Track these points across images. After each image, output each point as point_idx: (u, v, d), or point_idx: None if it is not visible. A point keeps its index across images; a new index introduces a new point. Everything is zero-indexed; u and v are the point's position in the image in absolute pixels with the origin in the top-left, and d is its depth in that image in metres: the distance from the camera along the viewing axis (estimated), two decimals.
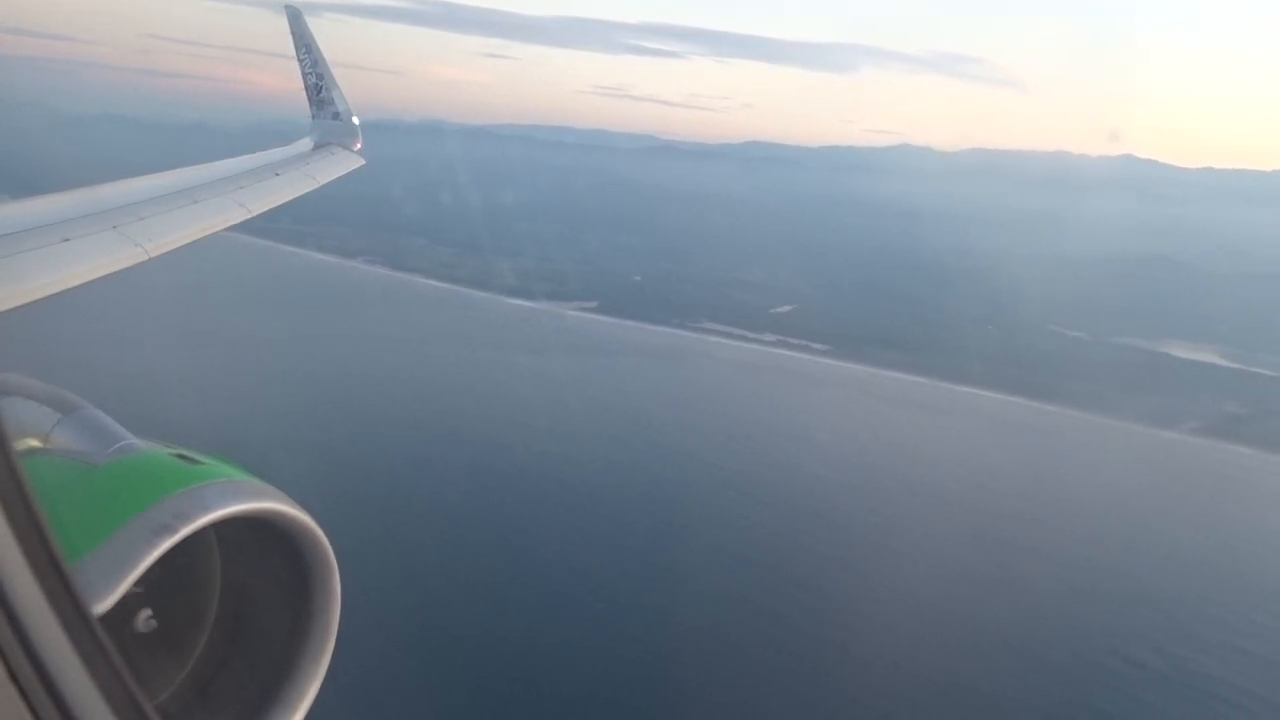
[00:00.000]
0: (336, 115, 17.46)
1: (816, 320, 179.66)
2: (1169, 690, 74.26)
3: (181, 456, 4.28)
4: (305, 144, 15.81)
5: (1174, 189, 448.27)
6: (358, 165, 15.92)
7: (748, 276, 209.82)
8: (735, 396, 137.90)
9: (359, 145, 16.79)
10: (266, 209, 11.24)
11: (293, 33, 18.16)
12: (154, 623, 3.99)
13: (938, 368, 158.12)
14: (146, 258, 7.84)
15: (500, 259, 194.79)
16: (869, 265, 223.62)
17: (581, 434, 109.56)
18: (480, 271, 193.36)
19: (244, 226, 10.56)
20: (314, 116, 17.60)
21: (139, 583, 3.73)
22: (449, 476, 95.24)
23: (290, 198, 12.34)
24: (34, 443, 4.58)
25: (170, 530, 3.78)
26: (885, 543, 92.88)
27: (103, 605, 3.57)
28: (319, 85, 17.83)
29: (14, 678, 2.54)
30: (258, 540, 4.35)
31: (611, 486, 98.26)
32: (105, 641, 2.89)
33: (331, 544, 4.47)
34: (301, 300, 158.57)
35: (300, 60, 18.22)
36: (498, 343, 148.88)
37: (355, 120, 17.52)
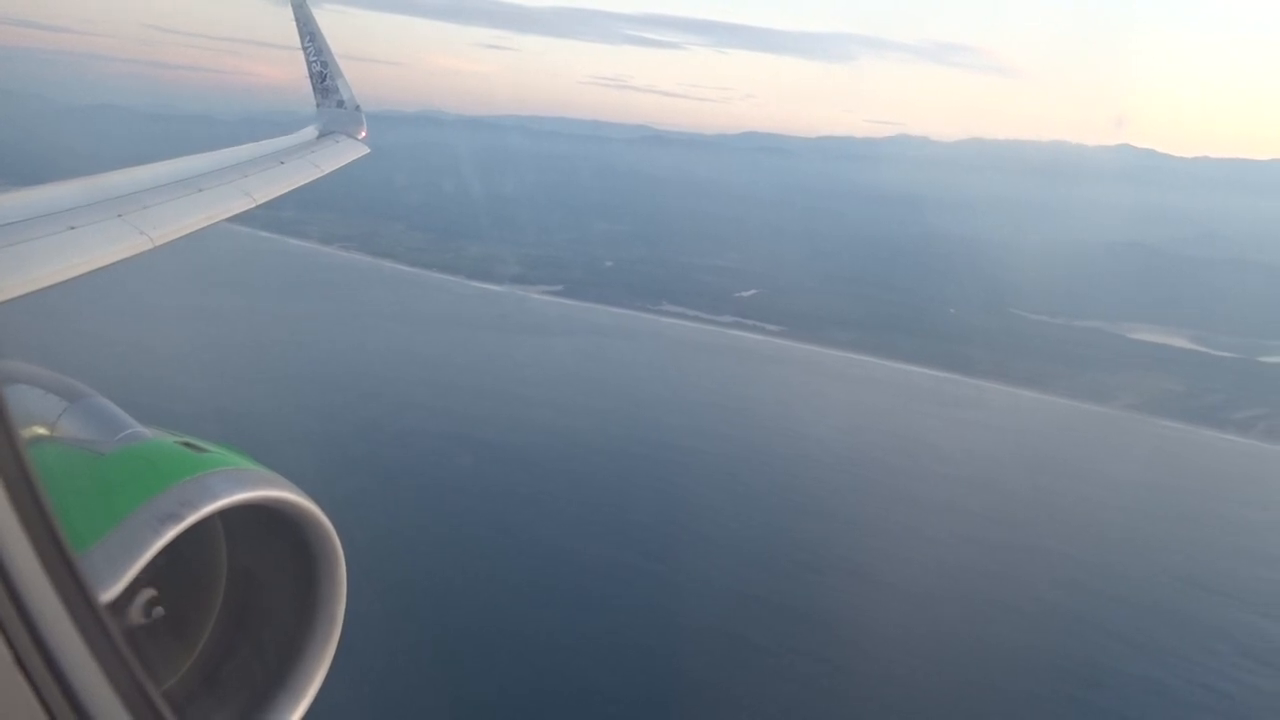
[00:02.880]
0: (341, 103, 17.40)
1: (778, 303, 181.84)
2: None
3: (187, 445, 4.28)
4: (310, 132, 15.70)
5: (1169, 178, 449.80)
6: (362, 154, 15.80)
7: (721, 262, 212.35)
8: (664, 370, 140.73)
9: (364, 133, 16.67)
10: (271, 198, 11.17)
11: (297, 21, 18.11)
12: (161, 610, 3.97)
13: (885, 347, 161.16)
14: (152, 246, 7.81)
15: (477, 245, 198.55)
16: (847, 252, 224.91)
17: (512, 404, 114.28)
18: (453, 257, 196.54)
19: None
20: (319, 105, 17.54)
21: (146, 570, 3.72)
22: (392, 451, 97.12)
23: (294, 186, 12.26)
24: (40, 431, 4.57)
25: (176, 518, 3.78)
26: (776, 498, 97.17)
27: (110, 593, 3.58)
28: (323, 74, 17.79)
29: (21, 665, 2.54)
30: (264, 528, 4.35)
31: (552, 452, 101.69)
32: (112, 629, 2.89)
33: (337, 531, 4.47)
34: (275, 287, 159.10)
35: (305, 49, 18.16)
36: (455, 324, 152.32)
37: (360, 109, 17.45)
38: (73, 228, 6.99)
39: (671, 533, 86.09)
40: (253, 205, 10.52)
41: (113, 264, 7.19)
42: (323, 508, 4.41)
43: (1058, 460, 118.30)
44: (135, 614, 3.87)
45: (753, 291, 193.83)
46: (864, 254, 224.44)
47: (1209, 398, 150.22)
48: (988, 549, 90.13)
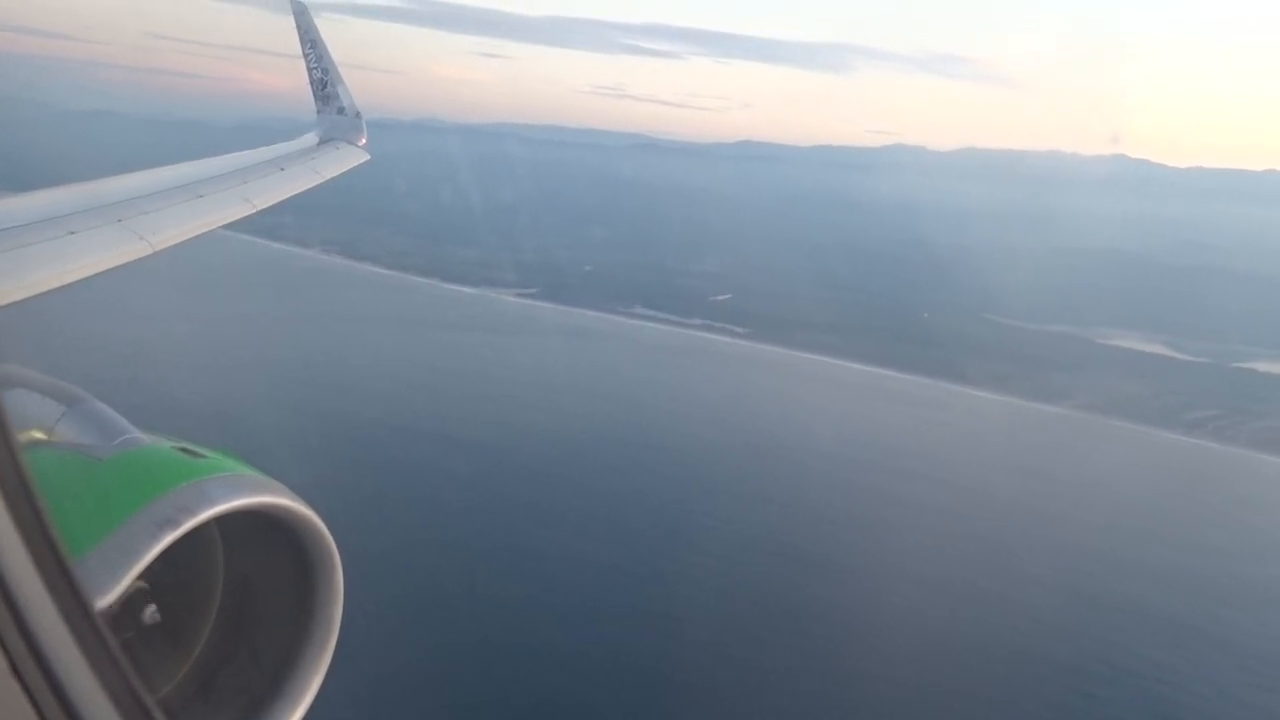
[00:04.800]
0: (341, 110, 17.42)
1: (750, 307, 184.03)
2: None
3: (185, 450, 4.26)
4: (310, 139, 15.71)
5: (1163, 188, 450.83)
6: (363, 160, 15.80)
7: (701, 267, 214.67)
8: (615, 368, 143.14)
9: (364, 140, 16.66)
10: (271, 204, 11.16)
11: (299, 28, 18.12)
12: (157, 616, 3.96)
13: (849, 349, 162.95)
14: (150, 251, 7.81)
15: (462, 250, 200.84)
16: (831, 258, 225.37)
17: (455, 398, 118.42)
18: (434, 261, 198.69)
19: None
20: (319, 112, 17.56)
21: (142, 576, 3.71)
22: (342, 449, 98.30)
23: (294, 193, 12.25)
24: (38, 435, 4.57)
25: (174, 524, 3.76)
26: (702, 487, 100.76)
27: (106, 599, 3.56)
28: (324, 80, 17.81)
29: (16, 672, 2.51)
30: (261, 534, 4.33)
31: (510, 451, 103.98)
32: (108, 635, 2.87)
33: (335, 538, 4.46)
34: (264, 292, 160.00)
35: (306, 55, 18.18)
36: (423, 325, 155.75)
37: (360, 115, 17.45)
38: (72, 232, 7.00)
39: (587, 514, 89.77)
40: (253, 211, 10.51)
41: (112, 269, 7.20)
42: (319, 513, 4.40)
43: (989, 454, 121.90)
44: (131, 620, 3.86)
45: (727, 296, 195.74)
46: (848, 260, 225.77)
47: (1165, 400, 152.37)
48: (908, 533, 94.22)
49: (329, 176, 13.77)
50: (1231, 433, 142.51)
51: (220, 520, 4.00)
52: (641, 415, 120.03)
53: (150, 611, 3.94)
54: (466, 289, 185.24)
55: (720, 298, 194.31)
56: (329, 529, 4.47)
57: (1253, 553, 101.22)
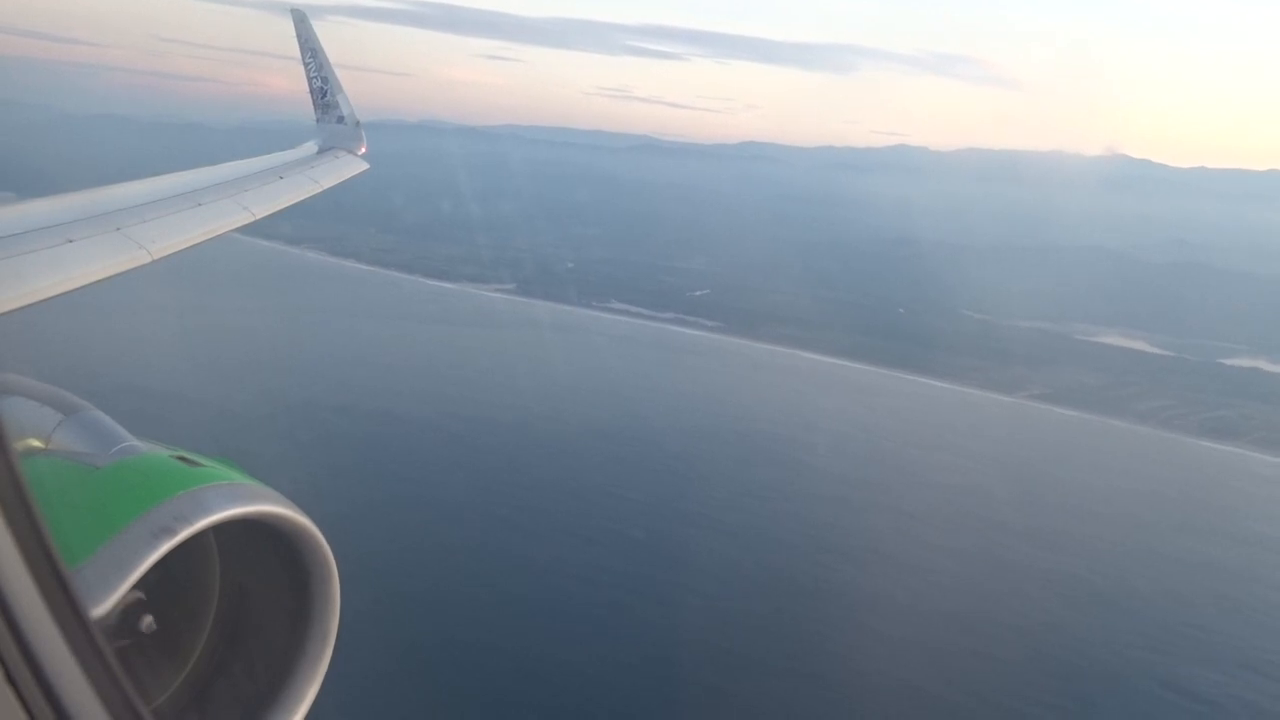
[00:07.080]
0: (341, 119, 17.41)
1: (725, 302, 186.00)
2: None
3: (182, 459, 4.26)
4: (310, 147, 15.72)
5: (1163, 187, 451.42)
6: (361, 169, 15.83)
7: (686, 264, 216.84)
8: (571, 360, 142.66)
9: (363, 149, 16.69)
10: (270, 212, 11.18)
11: (298, 37, 18.11)
12: (153, 625, 3.96)
13: (817, 342, 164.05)
14: (149, 260, 7.81)
15: (449, 247, 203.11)
16: (818, 256, 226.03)
17: (429, 388, 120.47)
18: (419, 259, 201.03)
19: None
20: (319, 120, 17.56)
21: (139, 585, 3.71)
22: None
23: (293, 201, 12.27)
24: (36, 443, 4.56)
25: (170, 533, 3.76)
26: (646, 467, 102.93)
27: (102, 607, 3.56)
28: (324, 89, 17.81)
29: (11, 680, 2.51)
30: (257, 543, 4.33)
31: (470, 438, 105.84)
32: (102, 645, 2.87)
33: (331, 546, 4.46)
34: (254, 291, 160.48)
35: (305, 64, 18.18)
36: (400, 317, 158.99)
37: (359, 124, 17.47)
38: (71, 240, 7.00)
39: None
40: (252, 220, 10.53)
41: (111, 277, 7.21)
42: (317, 522, 4.40)
43: (928, 437, 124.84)
44: (127, 629, 3.86)
45: (704, 291, 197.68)
46: (837, 259, 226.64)
47: (1122, 391, 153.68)
48: (840, 506, 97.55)
49: (327, 185, 13.79)
50: (1179, 421, 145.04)
51: (217, 529, 4.01)
52: (589, 401, 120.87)
53: (146, 620, 3.94)
54: (447, 284, 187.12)
55: (698, 293, 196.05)
56: (325, 535, 4.46)
57: (1168, 524, 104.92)
